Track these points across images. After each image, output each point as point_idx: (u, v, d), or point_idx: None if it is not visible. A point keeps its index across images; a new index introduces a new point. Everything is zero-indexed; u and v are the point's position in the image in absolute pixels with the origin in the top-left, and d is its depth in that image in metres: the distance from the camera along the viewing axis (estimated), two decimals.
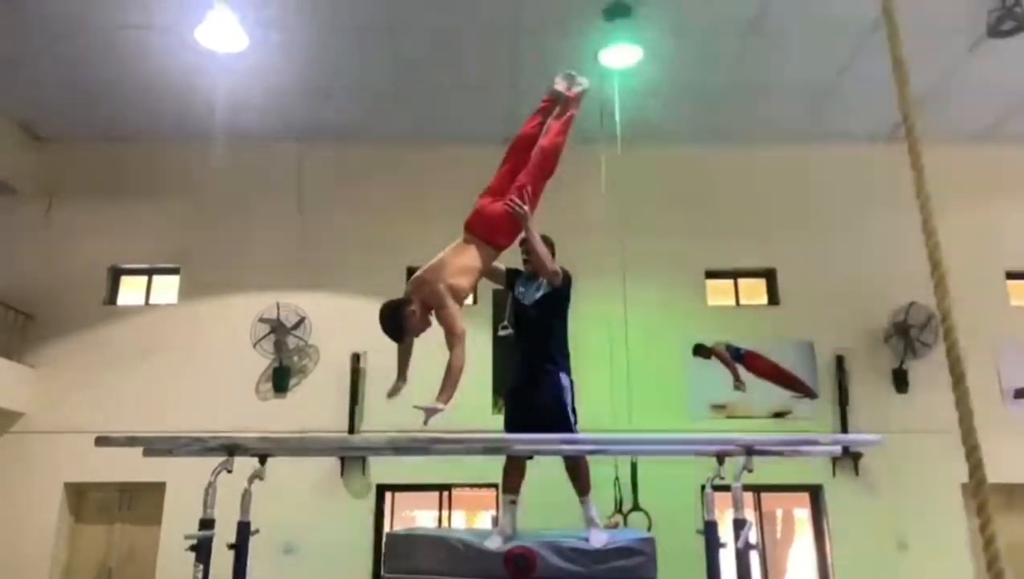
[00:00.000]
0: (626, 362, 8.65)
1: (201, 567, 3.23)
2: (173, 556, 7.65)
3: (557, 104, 4.43)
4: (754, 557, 3.44)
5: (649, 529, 7.10)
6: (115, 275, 10.04)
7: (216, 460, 3.35)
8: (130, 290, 10.06)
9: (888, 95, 2.28)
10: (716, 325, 9.50)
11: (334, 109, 9.31)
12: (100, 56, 8.26)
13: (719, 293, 9.93)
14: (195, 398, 8.97)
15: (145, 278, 10.05)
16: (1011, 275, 9.67)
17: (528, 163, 4.20)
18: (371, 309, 4.05)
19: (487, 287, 6.76)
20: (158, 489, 8.71)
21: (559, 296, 4.36)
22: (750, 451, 3.35)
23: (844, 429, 8.92)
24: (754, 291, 10.03)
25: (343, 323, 9.13)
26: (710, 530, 3.33)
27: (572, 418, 4.23)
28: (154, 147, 9.94)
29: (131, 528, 9.09)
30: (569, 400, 4.25)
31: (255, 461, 3.50)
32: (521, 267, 4.48)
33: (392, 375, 4.01)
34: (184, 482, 5.86)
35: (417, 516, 9.72)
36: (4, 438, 9.12)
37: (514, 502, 4.21)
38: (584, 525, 4.14)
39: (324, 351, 9.39)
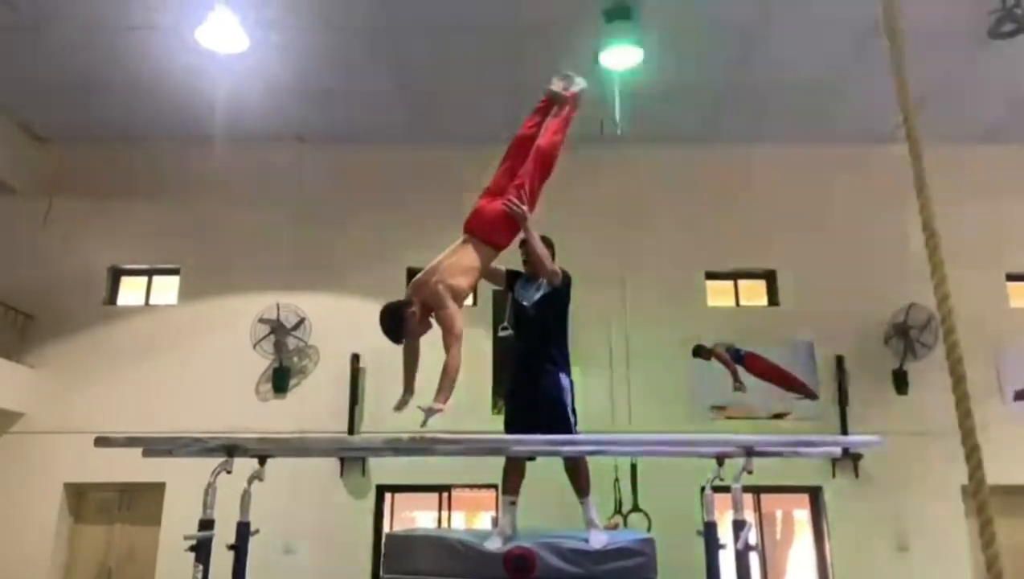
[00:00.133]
0: (626, 363, 8.64)
1: (201, 567, 3.24)
2: (173, 556, 7.65)
3: (554, 104, 4.43)
4: (754, 558, 3.43)
5: (649, 530, 7.11)
6: (115, 275, 10.05)
7: (216, 461, 3.36)
8: (130, 290, 10.06)
9: (888, 95, 2.28)
10: (716, 326, 9.48)
11: (334, 109, 9.31)
12: (100, 56, 8.26)
13: (719, 294, 9.91)
14: (195, 399, 8.96)
15: (145, 278, 10.06)
16: (1011, 277, 9.66)
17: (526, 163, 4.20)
18: (371, 310, 4.07)
19: (487, 287, 6.75)
20: (158, 489, 8.72)
21: (559, 297, 4.36)
22: (750, 452, 3.35)
23: (844, 430, 8.91)
24: (754, 292, 10.02)
25: (343, 324, 9.14)
26: (710, 531, 3.34)
27: (572, 419, 4.24)
28: (154, 147, 9.93)
29: (131, 528, 9.09)
30: (569, 401, 4.25)
31: (255, 461, 3.51)
32: (521, 268, 4.49)
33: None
34: (184, 482, 5.87)
35: (417, 517, 9.71)
36: (4, 438, 9.12)
37: (514, 503, 4.21)
38: (584, 526, 4.14)
39: (324, 352, 9.38)
